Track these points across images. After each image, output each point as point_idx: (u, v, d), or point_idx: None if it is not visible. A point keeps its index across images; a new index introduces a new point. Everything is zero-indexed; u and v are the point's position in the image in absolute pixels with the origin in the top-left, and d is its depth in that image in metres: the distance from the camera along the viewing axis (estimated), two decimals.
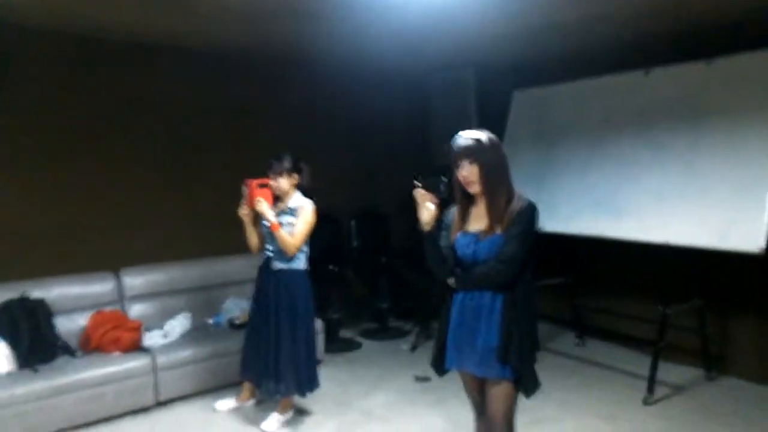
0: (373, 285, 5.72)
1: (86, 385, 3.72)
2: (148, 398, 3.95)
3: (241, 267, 4.76)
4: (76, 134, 4.36)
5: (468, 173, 2.47)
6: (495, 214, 2.46)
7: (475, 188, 2.49)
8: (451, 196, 2.53)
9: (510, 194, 2.49)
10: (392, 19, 3.94)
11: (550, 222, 4.85)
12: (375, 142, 5.90)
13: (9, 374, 3.66)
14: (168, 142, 4.76)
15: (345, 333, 5.55)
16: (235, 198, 3.62)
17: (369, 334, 5.57)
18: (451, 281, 2.58)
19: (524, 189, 5.03)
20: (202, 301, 4.68)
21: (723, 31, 4.26)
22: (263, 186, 3.54)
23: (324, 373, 4.55)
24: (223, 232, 4.37)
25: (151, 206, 4.68)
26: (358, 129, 5.82)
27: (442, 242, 2.61)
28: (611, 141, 4.63)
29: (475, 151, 2.46)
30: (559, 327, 5.57)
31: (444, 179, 2.44)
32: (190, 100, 4.83)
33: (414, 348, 5.19)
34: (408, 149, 5.92)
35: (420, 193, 2.46)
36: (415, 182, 2.47)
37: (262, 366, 3.70)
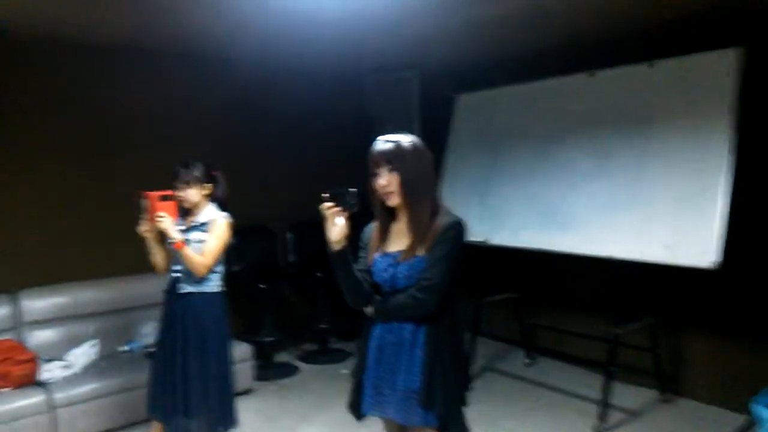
0: (311, 303, 5.33)
1: None
2: None
3: (160, 287, 4.29)
4: None
5: (386, 182, 2.12)
6: (417, 232, 2.13)
7: (394, 200, 2.15)
8: (365, 208, 2.18)
9: (435, 208, 2.16)
10: (317, 18, 3.59)
11: (496, 234, 4.56)
12: (315, 148, 5.52)
13: None
14: (72, 147, 4.28)
15: (282, 357, 5.15)
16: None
17: (308, 358, 5.17)
18: (368, 310, 2.22)
19: (468, 198, 4.76)
20: (114, 326, 4.21)
21: (667, 32, 4.04)
22: (166, 198, 3.10)
23: (251, 405, 4.15)
24: (139, 248, 3.92)
25: (55, 220, 4.20)
26: (294, 134, 5.42)
27: (360, 264, 2.27)
28: (557, 147, 4.36)
29: (394, 157, 2.12)
30: (507, 346, 5.27)
31: (352, 190, 2.08)
32: (95, 101, 4.37)
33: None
34: (354, 155, 5.55)
35: (326, 207, 2.09)
36: (323, 194, 2.11)
37: (169, 402, 3.27)
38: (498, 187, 4.70)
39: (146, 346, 4.09)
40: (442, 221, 2.12)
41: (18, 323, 3.91)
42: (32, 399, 3.46)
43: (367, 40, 4.30)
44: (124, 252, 4.32)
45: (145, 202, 3.08)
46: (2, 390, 3.48)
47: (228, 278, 4.82)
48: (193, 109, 4.81)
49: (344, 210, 2.08)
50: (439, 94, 5.30)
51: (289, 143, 5.41)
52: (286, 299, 5.40)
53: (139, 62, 4.51)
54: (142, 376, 3.73)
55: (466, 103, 5.12)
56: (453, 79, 5.36)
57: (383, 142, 2.16)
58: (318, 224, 2.14)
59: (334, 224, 2.09)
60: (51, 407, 3.50)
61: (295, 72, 5.26)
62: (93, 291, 4.20)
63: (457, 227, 2.12)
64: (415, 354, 2.11)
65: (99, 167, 4.38)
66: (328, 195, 2.09)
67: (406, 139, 2.17)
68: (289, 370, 4.88)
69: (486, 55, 4.88)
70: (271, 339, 4.85)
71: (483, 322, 4.74)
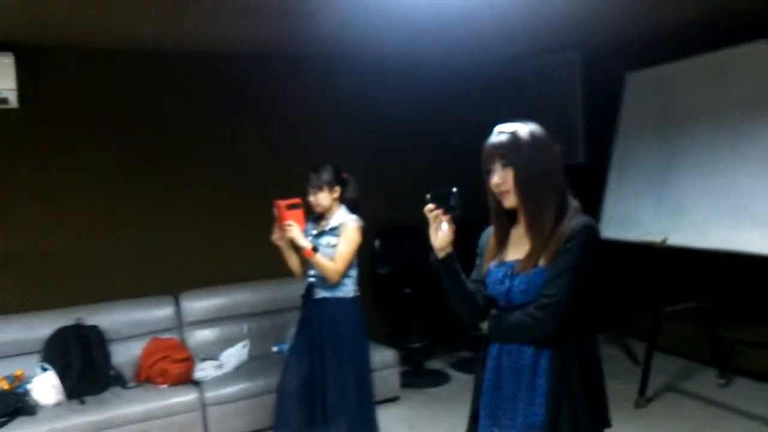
0: None
1: (131, 420, 3.48)
2: None
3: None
4: (132, 157, 4.20)
5: (500, 180, 1.79)
6: (536, 238, 1.76)
7: (510, 201, 1.80)
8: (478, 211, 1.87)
9: (561, 210, 1.77)
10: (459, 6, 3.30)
11: (677, 233, 3.90)
12: (450, 144, 5.17)
13: (55, 406, 3.51)
14: (225, 159, 4.48)
15: (434, 364, 4.92)
16: None
17: (462, 366, 4.87)
18: (483, 326, 1.90)
19: (642, 192, 4.12)
20: (266, 327, 4.31)
21: None
22: (294, 207, 3.07)
23: (396, 413, 3.99)
24: None
25: (212, 226, 4.40)
26: (431, 130, 5.13)
27: (474, 273, 1.96)
28: (753, 128, 3.58)
29: (508, 150, 1.78)
30: (695, 363, 4.50)
31: (454, 190, 1.78)
32: (238, 109, 4.51)
33: None
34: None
35: (429, 210, 1.82)
36: (426, 196, 1.84)
37: (306, 412, 3.21)
38: (678, 178, 4.02)
39: (290, 349, 4.12)
40: (568, 225, 1.73)
41: (179, 323, 4.15)
42: (187, 396, 3.63)
43: (519, 22, 3.90)
44: (276, 255, 4.41)
45: (276, 210, 3.08)
46: (161, 386, 3.70)
47: (373, 281, 4.73)
48: (329, 113, 4.78)
49: (446, 213, 1.80)
50: (604, 76, 4.70)
51: (424, 140, 5.14)
52: (438, 303, 5.16)
53: (278, 69, 4.58)
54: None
55: (638, 82, 4.46)
56: (620, 58, 4.70)
57: (497, 134, 1.82)
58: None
59: (437, 229, 1.81)
60: (203, 405, 3.65)
61: (426, 66, 4.97)
62: (246, 293, 4.34)
63: (588, 232, 1.72)
64: (537, 384, 1.75)
65: (246, 174, 4.52)
66: (430, 197, 1.82)
67: (525, 129, 1.80)
68: (439, 379, 4.64)
69: (658, 25, 4.19)
70: (420, 345, 4.65)
71: (662, 334, 4.10)
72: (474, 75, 5.13)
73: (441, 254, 1.82)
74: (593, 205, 4.29)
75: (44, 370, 3.58)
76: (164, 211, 4.29)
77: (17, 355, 3.69)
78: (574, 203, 1.81)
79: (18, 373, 3.59)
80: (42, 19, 3.36)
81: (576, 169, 4.65)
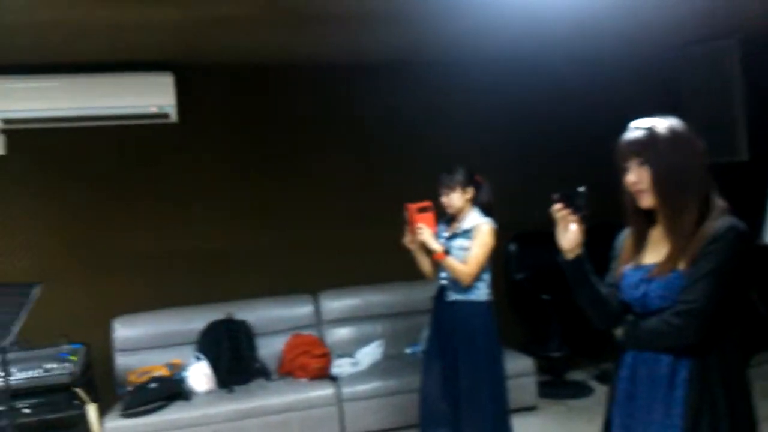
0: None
1: (273, 410, 3.70)
2: (334, 430, 3.77)
3: None
4: (277, 163, 4.48)
5: (635, 178, 1.69)
6: (676, 240, 1.64)
7: (647, 200, 1.69)
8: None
9: (704, 210, 1.63)
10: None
11: None
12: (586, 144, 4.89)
13: (207, 393, 3.83)
14: (362, 161, 4.62)
15: (576, 374, 4.70)
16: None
17: (606, 378, 4.57)
18: (617, 332, 1.80)
19: None
20: (400, 328, 4.38)
21: None
22: (424, 210, 3.10)
23: (532, 423, 3.88)
24: None
25: (350, 228, 4.56)
26: (567, 130, 4.91)
27: (609, 277, 1.86)
28: None
29: (644, 147, 1.67)
30: None
31: (581, 189, 1.70)
32: (363, 116, 4.61)
33: None
34: None
35: (556, 210, 1.75)
36: (553, 196, 1.77)
37: (438, 414, 3.22)
38: None
39: (423, 351, 4.15)
40: (712, 226, 1.59)
41: (319, 321, 4.34)
42: (324, 391, 3.79)
43: (666, 13, 3.63)
44: (409, 258, 4.47)
45: (406, 214, 3.12)
46: (300, 379, 3.89)
47: (508, 287, 4.60)
48: (462, 116, 4.73)
49: (574, 213, 1.72)
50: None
51: (563, 140, 4.91)
52: (580, 310, 4.92)
53: (407, 75, 4.62)
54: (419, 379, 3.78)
55: None
56: None
57: (633, 129, 1.72)
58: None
59: (565, 229, 1.74)
60: (339, 401, 3.78)
61: (567, 64, 4.75)
62: (382, 294, 4.44)
63: (733, 234, 1.56)
64: (674, 395, 1.62)
65: (384, 178, 4.62)
66: (557, 197, 1.76)
67: (663, 124, 1.68)
68: (581, 390, 4.42)
69: None
70: (560, 354, 4.46)
71: None
72: (617, 70, 4.84)
73: (569, 255, 1.75)
74: (758, 206, 3.87)
75: (198, 359, 3.92)
76: (307, 215, 4.51)
77: (175, 345, 4.07)
78: (719, 203, 1.65)
79: (176, 361, 3.95)
80: (194, 42, 3.70)
81: (737, 168, 4.26)
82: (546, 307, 4.46)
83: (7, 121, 3.96)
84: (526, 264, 4.54)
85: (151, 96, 4.03)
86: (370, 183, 4.62)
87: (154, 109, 4.03)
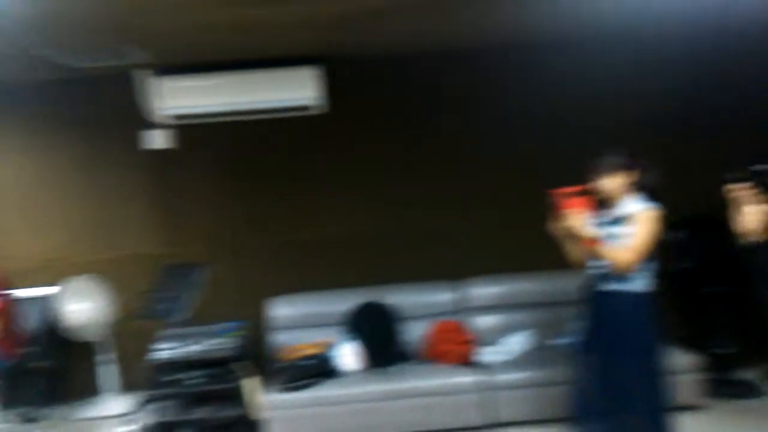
0: None
1: (417, 393, 3.74)
2: (476, 417, 3.73)
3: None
4: (421, 151, 4.52)
5: None
6: None
7: None
8: None
9: None
10: None
11: None
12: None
13: (355, 373, 3.96)
14: (510, 146, 4.49)
15: (747, 373, 4.25)
16: None
17: None
18: None
19: None
20: (548, 318, 4.21)
21: None
22: (576, 195, 2.93)
23: (694, 422, 3.58)
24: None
25: (496, 215, 4.48)
26: (730, 109, 4.41)
27: None
28: None
29: None
30: None
31: (763, 167, 1.51)
32: (517, 98, 4.47)
33: None
34: None
35: (737, 190, 1.58)
36: (730, 175, 1.60)
37: (593, 409, 3.07)
38: None
39: (574, 343, 3.96)
40: None
41: (463, 307, 4.31)
42: (467, 378, 3.77)
43: None
44: (559, 246, 4.31)
45: (553, 200, 2.99)
46: (444, 365, 3.89)
47: (669, 277, 4.26)
48: (608, 94, 4.45)
49: (762, 192, 1.54)
50: None
51: (729, 120, 4.43)
52: (754, 305, 4.44)
53: (541, 56, 4.43)
54: (569, 372, 3.63)
55: None
56: None
57: None
58: None
59: (746, 212, 1.57)
60: (482, 388, 3.73)
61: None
62: (529, 283, 4.33)
63: None
64: None
65: (532, 163, 4.46)
66: (740, 175, 1.58)
67: None
68: (750, 390, 4.00)
69: None
70: (727, 351, 4.06)
71: None
72: None
73: (755, 239, 1.57)
74: None
75: (347, 340, 4.07)
76: (453, 201, 4.53)
77: (325, 325, 4.25)
78: None
79: (327, 340, 4.13)
80: (342, 36, 3.82)
81: None
82: (714, 299, 4.07)
83: (177, 117, 4.35)
84: (692, 252, 4.18)
85: (301, 89, 4.23)
86: (518, 168, 4.50)
87: (304, 102, 4.23)
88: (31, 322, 4.17)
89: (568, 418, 3.38)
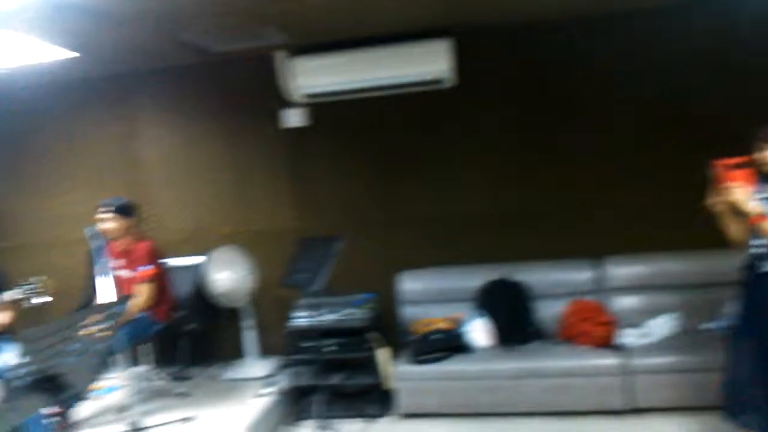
0: None
1: (554, 374, 3.64)
2: (617, 401, 3.55)
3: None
4: (554, 118, 4.33)
5: None
6: None
7: None
8: None
9: None
10: None
11: None
12: None
13: (486, 349, 3.90)
14: (650, 116, 4.19)
15: None
16: None
17: None
18: None
19: None
20: (697, 301, 3.90)
21: None
22: (738, 166, 2.67)
23: None
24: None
25: (638, 191, 4.20)
26: None
27: None
28: None
29: None
30: None
31: None
32: (657, 68, 4.14)
33: None
34: None
35: None
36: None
37: (748, 398, 2.81)
38: None
39: (728, 327, 3.65)
40: None
41: (602, 287, 4.10)
42: (608, 360, 3.59)
43: None
44: (712, 223, 3.98)
45: (714, 172, 2.74)
46: (582, 346, 3.73)
47: None
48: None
49: None
50: None
51: None
52: None
53: (673, 21, 4.06)
54: (720, 358, 3.35)
55: None
56: None
57: None
58: None
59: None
60: (626, 372, 3.54)
61: None
62: (675, 264, 4.03)
63: None
64: None
65: (682, 132, 4.14)
66: None
67: None
68: None
69: None
70: None
71: None
72: None
73: None
74: None
75: (478, 316, 4.02)
76: (592, 176, 4.30)
77: (455, 300, 4.23)
78: None
79: (457, 315, 4.10)
80: (472, 7, 3.74)
81: None
82: None
83: (310, 96, 4.48)
84: None
85: (433, 63, 4.19)
86: (665, 139, 4.19)
87: (436, 76, 4.19)
88: (181, 288, 4.49)
89: (716, 407, 3.12)
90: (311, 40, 4.24)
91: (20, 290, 3.21)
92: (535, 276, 4.15)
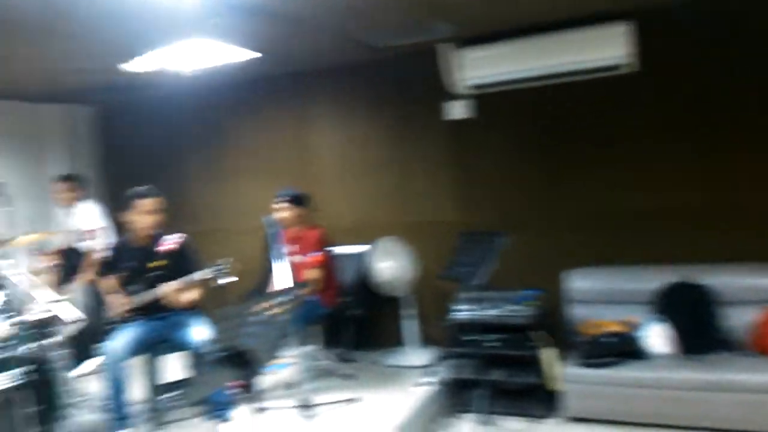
0: None
1: (745, 388, 3.28)
2: None
3: None
4: (744, 107, 3.90)
5: None
6: None
7: None
8: None
9: None
10: None
11: None
12: None
13: (665, 356, 3.61)
14: None
15: None
16: None
17: None
18: None
19: None
20: None
21: None
22: None
23: None
24: None
25: None
26: None
27: None
28: None
29: None
30: None
31: None
32: None
33: None
34: None
35: None
36: None
37: None
38: None
39: None
40: None
41: None
42: None
43: None
44: None
45: None
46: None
47: None
48: None
49: None
50: None
51: None
52: None
53: None
54: None
55: None
56: None
57: None
58: None
59: None
60: None
61: None
62: None
63: None
64: None
65: None
66: None
67: None
68: None
69: None
70: None
71: None
72: None
73: None
74: None
75: (656, 321, 3.72)
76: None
77: (628, 302, 3.96)
78: None
79: (632, 319, 3.83)
80: None
81: None
82: None
83: (475, 87, 4.42)
84: None
85: (610, 48, 3.96)
86: None
87: (614, 62, 3.95)
88: (346, 275, 4.67)
89: None
90: (478, 31, 4.18)
91: (209, 271, 3.50)
92: (721, 280, 3.76)
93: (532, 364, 3.89)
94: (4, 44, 3.66)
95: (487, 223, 4.54)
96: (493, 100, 4.48)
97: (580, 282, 4.10)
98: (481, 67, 4.29)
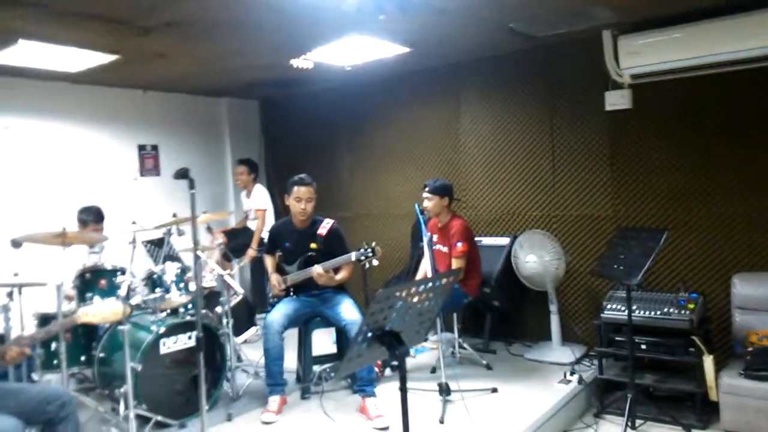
0: None
1: None
2: None
3: None
4: None
5: None
6: None
7: None
8: None
9: None
10: None
11: None
12: None
13: None
14: None
15: None
16: None
17: None
18: None
19: None
20: None
21: None
22: None
23: None
24: None
25: None
26: None
27: None
28: None
29: None
30: None
31: None
32: None
33: None
34: None
35: None
36: None
37: None
38: None
39: None
40: None
41: None
42: None
43: None
44: None
45: None
46: None
47: None
48: None
49: None
50: None
51: None
52: None
53: None
54: None
55: None
56: None
57: None
58: None
59: None
60: None
61: None
62: None
63: None
64: None
65: None
66: None
67: None
68: None
69: None
70: None
71: None
72: None
73: None
74: None
75: None
76: None
77: None
78: None
79: None
80: None
81: None
82: None
83: (637, 76, 4.18)
84: None
85: None
86: None
87: None
88: (490, 266, 4.65)
89: None
90: (641, 16, 3.95)
91: (357, 254, 3.67)
92: None
93: (689, 371, 3.65)
94: (201, 45, 4.06)
95: (644, 219, 4.32)
96: (653, 91, 4.21)
97: (747, 287, 3.74)
98: (644, 54, 4.04)
